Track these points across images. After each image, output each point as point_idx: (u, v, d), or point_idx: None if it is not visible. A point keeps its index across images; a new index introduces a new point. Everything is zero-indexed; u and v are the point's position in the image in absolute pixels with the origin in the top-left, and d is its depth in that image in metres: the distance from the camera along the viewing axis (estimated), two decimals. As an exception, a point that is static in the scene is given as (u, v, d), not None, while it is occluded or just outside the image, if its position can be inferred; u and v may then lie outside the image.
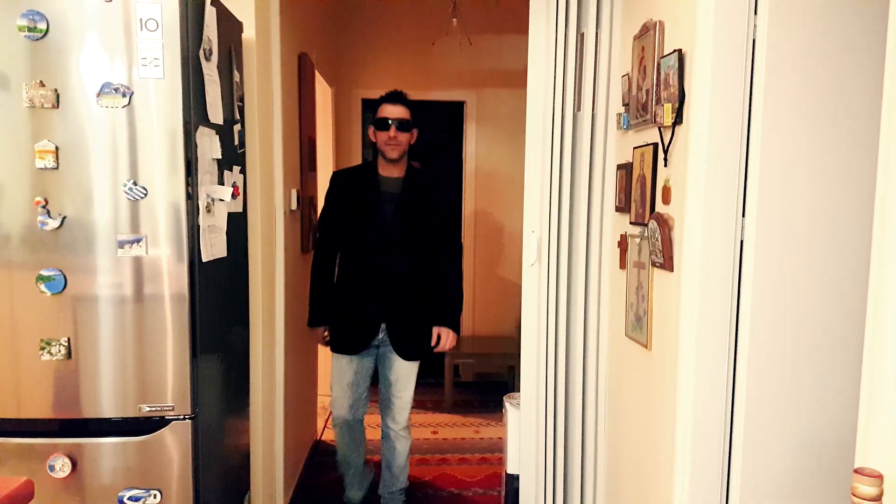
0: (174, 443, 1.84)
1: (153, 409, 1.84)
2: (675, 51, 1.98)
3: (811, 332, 1.92)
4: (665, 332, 2.13)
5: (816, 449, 1.94)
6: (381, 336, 2.79)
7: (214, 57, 1.93)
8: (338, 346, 2.82)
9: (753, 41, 1.85)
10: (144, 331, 1.82)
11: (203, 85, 1.87)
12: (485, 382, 5.06)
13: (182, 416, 1.84)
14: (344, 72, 4.98)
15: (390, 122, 2.65)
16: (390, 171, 2.73)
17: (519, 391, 2.84)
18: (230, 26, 2.15)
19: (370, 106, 2.66)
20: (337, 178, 2.84)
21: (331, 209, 2.80)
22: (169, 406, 1.84)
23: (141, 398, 1.83)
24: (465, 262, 5.25)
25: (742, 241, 1.92)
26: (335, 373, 2.84)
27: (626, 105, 2.47)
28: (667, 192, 2.09)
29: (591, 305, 2.78)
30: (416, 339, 2.82)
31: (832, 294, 1.91)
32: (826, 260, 1.91)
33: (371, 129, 2.74)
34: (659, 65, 2.10)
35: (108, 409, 1.83)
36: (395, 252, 2.73)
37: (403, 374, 2.83)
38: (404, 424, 2.92)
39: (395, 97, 2.71)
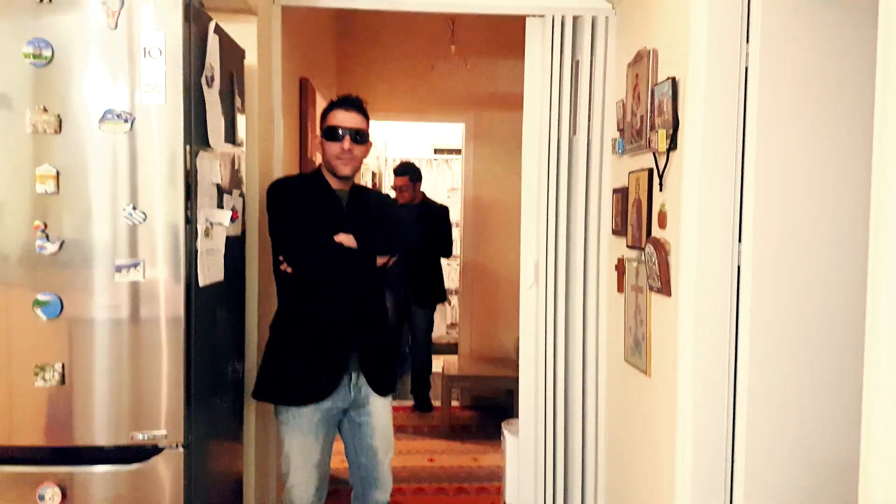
0: (167, 471, 1.82)
1: (146, 436, 1.81)
2: (668, 78, 2.00)
3: (811, 357, 1.92)
4: (664, 358, 2.13)
5: (819, 472, 1.92)
6: (349, 385, 2.25)
7: (216, 83, 1.95)
8: (299, 395, 2.20)
9: (746, 68, 1.88)
10: (139, 357, 1.81)
11: (204, 110, 1.88)
12: (483, 406, 5.03)
13: (175, 445, 1.82)
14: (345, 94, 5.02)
15: (342, 131, 2.19)
16: (339, 185, 2.28)
17: (518, 417, 2.82)
18: (232, 53, 2.17)
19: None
20: (281, 189, 2.26)
21: (288, 222, 2.19)
22: (162, 433, 1.82)
23: (134, 425, 1.81)
24: (463, 281, 5.29)
25: (739, 267, 1.93)
26: (295, 450, 2.21)
27: (620, 130, 2.49)
28: (663, 216, 2.10)
29: (589, 329, 2.77)
30: (390, 369, 2.38)
31: (831, 318, 1.91)
32: (825, 284, 1.91)
33: (317, 139, 2.29)
34: (653, 91, 2.12)
35: (101, 436, 1.81)
36: (361, 273, 2.26)
37: (385, 424, 2.35)
38: (391, 487, 2.43)
39: (350, 102, 2.25)
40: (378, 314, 2.34)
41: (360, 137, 2.23)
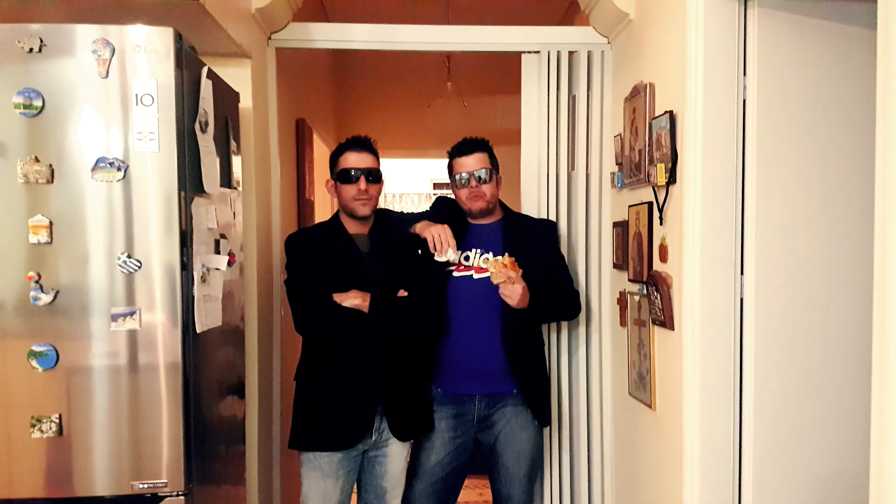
0: (167, 521, 1.78)
1: (146, 485, 1.78)
2: (666, 112, 2.00)
3: (817, 387, 1.91)
4: (669, 392, 2.09)
5: (827, 500, 1.89)
6: (373, 428, 2.22)
7: (210, 128, 1.94)
8: (320, 441, 2.18)
9: (744, 101, 1.88)
10: (138, 405, 1.78)
11: (199, 155, 1.88)
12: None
13: (175, 493, 1.79)
14: (343, 134, 5.05)
15: (355, 173, 2.17)
16: (359, 228, 2.26)
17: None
18: (227, 96, 2.18)
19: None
20: (298, 242, 2.26)
21: (302, 282, 2.19)
22: (162, 482, 1.78)
23: (134, 475, 1.78)
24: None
25: (742, 299, 1.91)
26: (314, 492, 2.19)
27: (619, 164, 2.49)
28: (664, 250, 2.08)
29: (593, 363, 2.74)
30: (414, 414, 2.31)
31: (835, 347, 1.90)
32: (828, 313, 1.90)
33: (329, 183, 2.27)
34: (651, 125, 2.12)
35: (101, 486, 1.77)
36: (377, 334, 2.21)
37: (398, 469, 2.30)
38: None
39: (361, 143, 2.23)
40: (405, 354, 2.26)
41: (374, 177, 2.21)
